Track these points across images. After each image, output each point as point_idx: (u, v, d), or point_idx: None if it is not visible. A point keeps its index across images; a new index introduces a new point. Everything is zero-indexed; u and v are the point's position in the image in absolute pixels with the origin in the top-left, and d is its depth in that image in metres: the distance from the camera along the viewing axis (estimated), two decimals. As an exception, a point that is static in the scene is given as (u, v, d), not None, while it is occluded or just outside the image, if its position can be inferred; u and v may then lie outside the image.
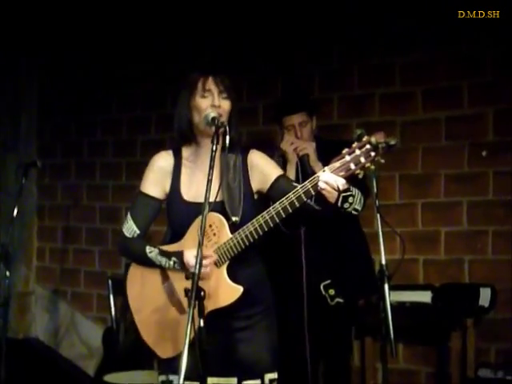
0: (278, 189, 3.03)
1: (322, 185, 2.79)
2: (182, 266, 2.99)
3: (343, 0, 5.24)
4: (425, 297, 4.58)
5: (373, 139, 2.75)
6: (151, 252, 3.08)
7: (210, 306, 2.84)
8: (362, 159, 2.73)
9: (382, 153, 2.76)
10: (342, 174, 2.76)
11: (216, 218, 2.96)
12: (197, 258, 2.63)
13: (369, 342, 4.74)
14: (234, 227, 2.97)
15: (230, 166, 3.06)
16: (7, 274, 5.18)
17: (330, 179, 2.78)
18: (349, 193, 2.89)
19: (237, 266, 3.00)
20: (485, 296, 4.46)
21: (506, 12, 4.54)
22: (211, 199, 2.85)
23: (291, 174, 4.10)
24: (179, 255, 3.00)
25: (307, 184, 2.83)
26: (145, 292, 3.18)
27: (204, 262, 2.79)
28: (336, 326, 4.37)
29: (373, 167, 2.81)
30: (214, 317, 2.86)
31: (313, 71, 5.46)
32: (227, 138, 2.86)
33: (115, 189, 6.54)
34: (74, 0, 6.41)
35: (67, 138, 6.96)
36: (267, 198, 3.08)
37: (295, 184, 2.96)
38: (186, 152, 3.19)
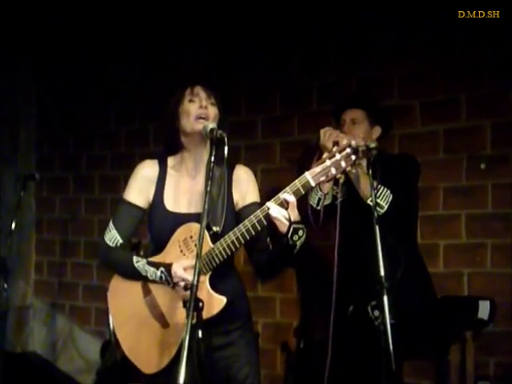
0: (247, 213, 3.00)
1: (274, 213, 2.79)
2: (169, 278, 2.97)
3: (340, 12, 5.24)
4: (424, 310, 4.56)
5: (353, 142, 2.75)
6: (138, 262, 3.05)
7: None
8: (343, 163, 2.73)
9: (362, 156, 2.76)
10: (323, 178, 2.76)
11: (197, 228, 2.91)
12: (195, 268, 2.62)
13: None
14: (215, 237, 2.95)
15: (215, 177, 3.05)
16: (5, 287, 5.18)
17: (281, 210, 2.79)
18: (300, 225, 2.85)
19: (217, 280, 2.98)
20: (484, 309, 4.44)
21: (506, 12, 4.54)
22: (193, 210, 2.91)
23: None
24: (167, 266, 2.98)
25: (258, 213, 2.84)
26: (126, 307, 3.15)
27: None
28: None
29: (354, 170, 2.81)
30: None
31: (311, 84, 5.46)
32: (226, 149, 2.86)
33: (113, 202, 6.52)
34: (72, 13, 6.41)
35: (65, 152, 6.96)
36: (237, 216, 3.09)
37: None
38: (171, 161, 3.19)
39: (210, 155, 2.85)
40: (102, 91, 6.66)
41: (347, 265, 3.91)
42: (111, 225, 3.17)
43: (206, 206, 2.74)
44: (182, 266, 2.89)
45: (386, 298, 3.05)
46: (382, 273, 3.05)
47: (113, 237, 3.15)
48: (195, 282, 2.58)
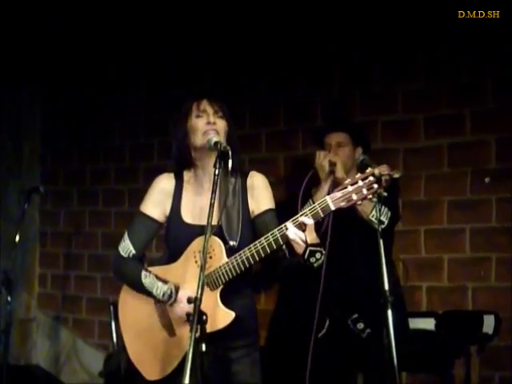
0: (262, 221, 3.04)
1: (291, 235, 2.79)
2: (173, 301, 2.98)
3: (345, 27, 5.26)
4: (428, 324, 4.56)
5: (376, 171, 2.75)
6: (146, 277, 3.05)
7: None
8: (365, 191, 2.74)
9: (384, 185, 2.76)
10: (343, 204, 2.76)
11: (214, 242, 2.94)
12: (199, 281, 2.61)
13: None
14: (231, 252, 2.96)
15: (229, 190, 3.05)
16: (9, 299, 5.18)
17: (298, 231, 2.79)
18: (317, 248, 2.83)
19: (228, 296, 2.98)
20: (488, 323, 4.44)
21: (506, 12, 4.54)
22: (212, 223, 2.87)
23: (323, 192, 4.07)
24: (175, 286, 3.00)
25: (276, 232, 2.84)
26: (136, 313, 3.16)
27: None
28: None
29: (374, 199, 2.82)
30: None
31: (314, 98, 5.47)
32: (230, 161, 2.86)
33: (117, 215, 6.54)
34: (75, 29, 6.44)
35: (70, 165, 6.97)
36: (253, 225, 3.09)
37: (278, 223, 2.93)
38: (186, 175, 3.20)
39: (215, 168, 2.86)
40: (107, 106, 6.67)
41: (331, 278, 3.98)
42: (126, 236, 3.19)
43: (211, 220, 2.74)
44: (187, 295, 2.88)
45: (389, 312, 3.03)
46: (387, 287, 3.04)
47: (126, 247, 3.17)
48: (199, 296, 2.58)
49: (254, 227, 3.07)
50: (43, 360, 6.95)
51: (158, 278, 3.05)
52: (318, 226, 3.66)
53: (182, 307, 2.93)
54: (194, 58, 5.99)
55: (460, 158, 4.86)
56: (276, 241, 2.83)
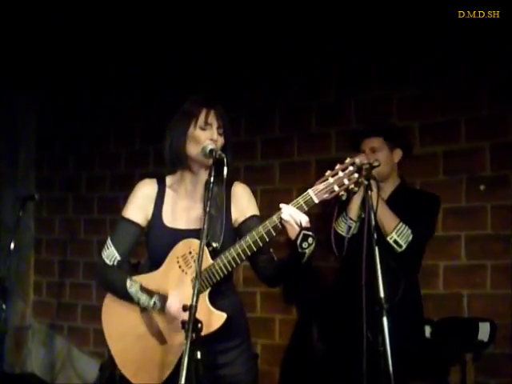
0: (247, 226, 3.02)
1: (285, 216, 2.78)
2: (163, 309, 2.96)
3: (339, 33, 5.27)
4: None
5: (356, 160, 2.76)
6: (131, 287, 3.02)
7: None
8: (346, 181, 2.74)
9: (364, 174, 2.76)
10: (326, 195, 2.76)
11: (196, 245, 2.89)
12: (194, 288, 2.61)
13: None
14: (214, 253, 2.94)
15: (214, 194, 3.04)
16: (3, 307, 5.16)
17: (293, 213, 2.78)
18: (310, 232, 2.79)
19: (214, 296, 2.97)
20: (484, 330, 4.43)
21: (506, 12, 4.54)
22: (192, 226, 2.93)
23: (355, 205, 4.06)
24: (162, 298, 2.97)
25: (274, 218, 2.83)
26: (122, 322, 3.12)
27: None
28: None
29: (356, 189, 2.81)
30: None
31: (310, 105, 5.47)
32: (225, 169, 2.86)
33: (113, 223, 6.47)
34: (71, 35, 6.44)
35: (65, 172, 6.97)
36: (236, 232, 3.07)
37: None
38: (169, 180, 3.19)
39: (209, 176, 2.85)
40: (102, 112, 6.67)
41: (349, 289, 3.91)
42: (109, 242, 3.15)
43: (206, 226, 2.73)
44: (178, 300, 2.87)
45: (385, 320, 3.03)
46: (382, 294, 3.04)
47: (110, 254, 3.13)
48: (194, 303, 2.58)
49: (236, 234, 3.05)
50: (38, 368, 6.93)
51: (142, 288, 3.01)
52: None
53: (174, 315, 2.91)
54: (190, 66, 5.99)
55: (455, 165, 4.87)
56: (268, 232, 2.82)
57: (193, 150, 3.06)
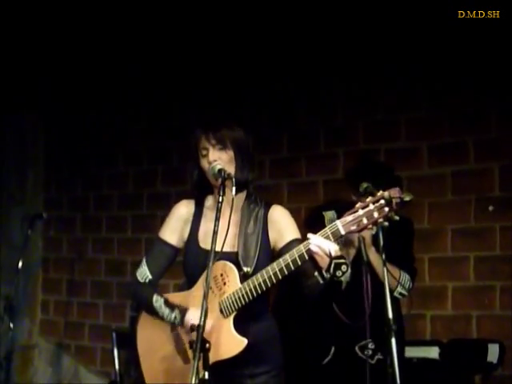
0: (288, 251, 2.97)
1: (313, 248, 2.77)
2: (181, 323, 2.97)
3: (347, 56, 5.28)
4: (432, 353, 4.52)
5: (386, 194, 2.73)
6: (157, 301, 3.07)
7: (213, 357, 2.78)
8: (375, 214, 2.71)
9: (395, 209, 2.73)
10: (354, 228, 2.74)
11: (228, 268, 2.95)
12: (202, 309, 2.61)
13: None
14: (245, 278, 2.95)
15: (251, 216, 3.06)
16: (11, 326, 5.16)
17: (322, 243, 2.76)
18: (342, 260, 2.79)
19: (246, 320, 2.96)
20: (493, 352, 4.41)
21: (506, 12, 4.51)
22: (227, 249, 2.90)
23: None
24: (182, 311, 3.00)
25: (301, 247, 2.82)
26: (153, 339, 3.17)
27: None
28: None
29: (386, 224, 2.78)
30: (216, 372, 2.79)
31: (318, 127, 5.48)
32: (233, 188, 2.87)
33: (120, 242, 6.53)
34: (80, 56, 6.48)
35: (73, 192, 6.97)
36: (278, 257, 3.02)
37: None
38: (208, 201, 3.22)
39: (218, 195, 2.86)
40: (110, 132, 6.69)
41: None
42: (143, 261, 3.23)
43: (214, 246, 2.75)
44: (196, 315, 2.87)
45: (393, 341, 3.02)
46: (390, 315, 3.03)
47: (143, 273, 3.20)
48: (201, 323, 2.57)
49: (276, 259, 2.99)
50: (45, 387, 6.93)
51: (166, 303, 3.06)
52: None
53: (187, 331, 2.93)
54: (198, 86, 6.00)
55: (464, 186, 4.86)
56: (294, 261, 2.81)
57: (208, 177, 3.09)
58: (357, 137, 5.28)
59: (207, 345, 2.59)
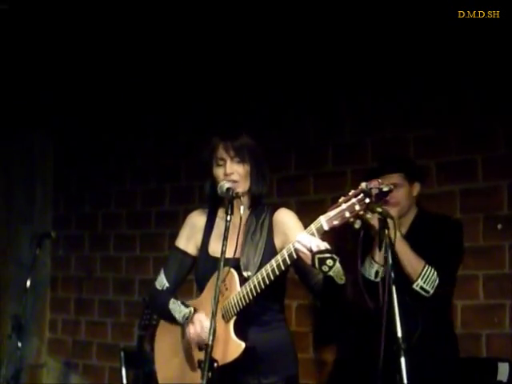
0: None
1: (296, 245, 2.78)
2: (191, 320, 3.03)
3: (356, 74, 5.29)
4: (442, 371, 4.49)
5: (364, 185, 2.73)
6: (174, 303, 3.14)
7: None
8: (357, 207, 2.70)
9: (375, 199, 2.72)
10: (337, 222, 2.73)
11: (229, 273, 2.98)
12: (210, 328, 2.61)
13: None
14: (245, 282, 2.97)
15: (257, 224, 3.07)
16: (19, 345, 5.16)
17: (303, 240, 2.76)
18: (326, 255, 2.73)
19: (257, 329, 2.97)
20: (503, 371, 4.37)
21: (506, 12, 4.49)
22: (231, 255, 2.95)
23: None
24: (195, 310, 3.08)
25: (290, 246, 2.84)
26: (169, 348, 3.22)
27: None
28: None
29: (368, 215, 2.77)
30: (224, 381, 2.82)
31: (326, 144, 5.48)
32: (241, 207, 2.88)
33: (129, 260, 6.53)
34: (85, 72, 6.50)
35: (82, 210, 6.99)
36: None
37: None
38: (220, 212, 3.26)
39: (226, 214, 2.88)
40: (118, 151, 6.71)
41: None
42: (161, 270, 3.30)
43: (223, 256, 2.77)
44: (203, 323, 2.90)
45: (403, 360, 2.99)
46: (400, 334, 3.01)
47: (161, 281, 3.28)
48: (210, 343, 2.58)
49: None
50: (53, 406, 6.91)
51: (183, 303, 3.14)
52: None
53: (191, 336, 3.00)
54: (206, 104, 6.02)
55: (472, 204, 4.84)
56: (284, 261, 2.83)
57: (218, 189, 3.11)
58: (365, 154, 5.28)
59: (215, 364, 2.59)
